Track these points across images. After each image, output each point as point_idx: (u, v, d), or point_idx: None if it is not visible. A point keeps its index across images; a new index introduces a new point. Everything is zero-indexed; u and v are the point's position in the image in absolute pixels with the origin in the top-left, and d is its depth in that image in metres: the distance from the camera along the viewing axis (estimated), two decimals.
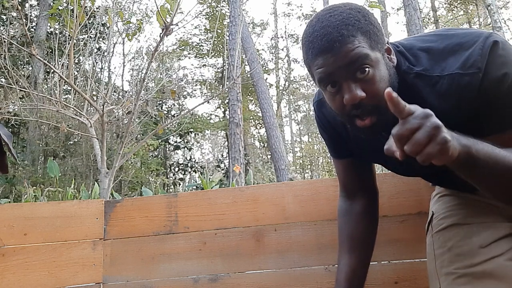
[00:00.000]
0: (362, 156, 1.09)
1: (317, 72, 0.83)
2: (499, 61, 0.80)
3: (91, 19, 5.55)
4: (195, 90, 18.82)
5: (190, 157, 16.66)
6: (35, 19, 11.85)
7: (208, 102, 17.74)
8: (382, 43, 0.84)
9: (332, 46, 0.79)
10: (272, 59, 21.57)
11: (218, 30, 15.45)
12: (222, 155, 18.34)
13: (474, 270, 0.88)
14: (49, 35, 11.02)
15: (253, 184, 5.49)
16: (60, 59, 3.56)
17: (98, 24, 5.75)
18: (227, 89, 7.08)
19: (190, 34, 18.12)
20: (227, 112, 15.21)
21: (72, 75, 3.22)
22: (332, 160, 1.22)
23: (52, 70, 3.62)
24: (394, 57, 0.88)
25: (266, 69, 20.01)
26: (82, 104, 4.18)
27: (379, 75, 0.81)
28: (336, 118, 1.04)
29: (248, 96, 18.59)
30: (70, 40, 3.10)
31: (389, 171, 1.17)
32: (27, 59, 9.39)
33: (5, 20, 10.37)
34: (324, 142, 1.17)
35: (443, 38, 0.88)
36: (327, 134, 1.11)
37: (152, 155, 14.09)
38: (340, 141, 1.08)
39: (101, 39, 10.11)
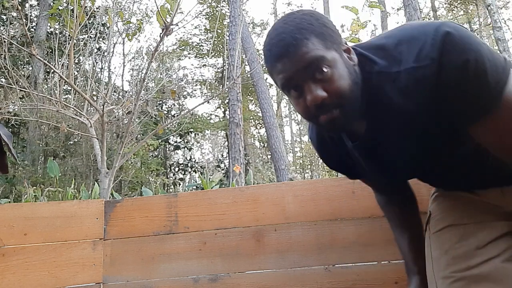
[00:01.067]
0: (365, 175, 1.10)
1: (279, 78, 0.85)
2: (457, 49, 0.77)
3: (91, 19, 5.55)
4: (195, 90, 18.84)
5: (190, 157, 16.66)
6: (35, 19, 11.85)
7: (208, 102, 17.76)
8: (338, 43, 0.85)
9: (287, 50, 0.81)
10: None
11: (218, 30, 15.45)
12: (222, 155, 18.34)
13: (471, 273, 0.88)
14: (49, 35, 11.02)
15: (253, 184, 5.49)
16: (60, 59, 3.56)
17: (98, 24, 5.75)
18: (227, 89, 7.08)
19: (190, 34, 18.15)
20: (227, 112, 15.20)
21: (72, 75, 3.22)
22: None
23: (52, 70, 3.62)
24: (354, 56, 0.88)
25: (266, 69, 19.98)
26: (82, 104, 4.18)
27: (338, 73, 0.82)
28: (335, 144, 1.03)
29: (248, 96, 18.59)
30: (70, 40, 3.10)
31: None
32: (27, 59, 9.39)
33: (5, 20, 10.37)
34: None
35: (396, 33, 0.88)
36: (333, 163, 1.12)
37: (152, 155, 14.09)
38: (347, 165, 1.08)
39: (101, 39, 10.11)
